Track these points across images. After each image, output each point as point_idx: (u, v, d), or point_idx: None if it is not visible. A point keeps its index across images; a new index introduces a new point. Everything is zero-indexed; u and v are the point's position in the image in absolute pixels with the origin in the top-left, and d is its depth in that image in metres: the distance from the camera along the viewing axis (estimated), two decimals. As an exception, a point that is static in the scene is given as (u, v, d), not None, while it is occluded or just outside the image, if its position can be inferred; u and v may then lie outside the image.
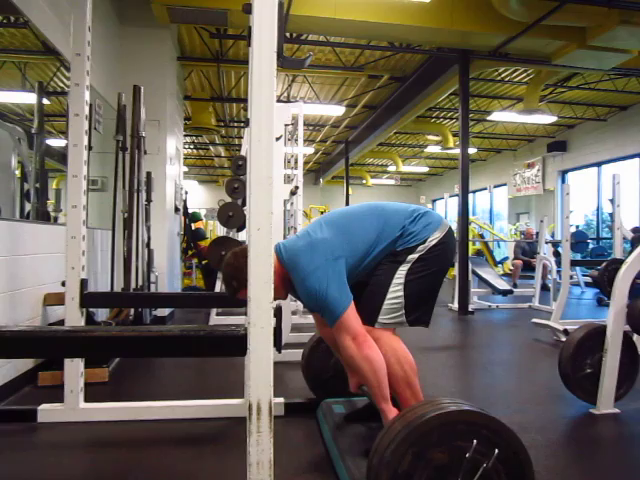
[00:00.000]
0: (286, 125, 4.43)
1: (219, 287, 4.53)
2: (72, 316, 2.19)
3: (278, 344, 1.25)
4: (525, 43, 5.76)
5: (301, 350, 2.50)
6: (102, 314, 3.84)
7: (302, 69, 7.09)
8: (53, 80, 3.88)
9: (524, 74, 7.75)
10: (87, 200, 2.26)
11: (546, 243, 6.63)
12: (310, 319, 4.64)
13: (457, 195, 6.26)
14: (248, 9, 1.21)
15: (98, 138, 3.92)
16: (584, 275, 8.74)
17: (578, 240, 7.27)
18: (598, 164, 10.40)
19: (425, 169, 16.72)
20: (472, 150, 12.10)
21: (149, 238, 4.42)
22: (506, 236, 11.24)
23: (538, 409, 2.53)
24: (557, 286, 5.46)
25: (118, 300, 2.91)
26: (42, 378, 2.76)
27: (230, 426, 2.23)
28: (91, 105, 2.80)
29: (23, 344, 1.38)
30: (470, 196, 6.91)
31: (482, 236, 9.77)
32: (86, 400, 2.30)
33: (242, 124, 10.42)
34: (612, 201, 4.37)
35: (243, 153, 4.83)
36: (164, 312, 4.95)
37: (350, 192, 14.13)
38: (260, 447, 1.15)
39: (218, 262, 4.33)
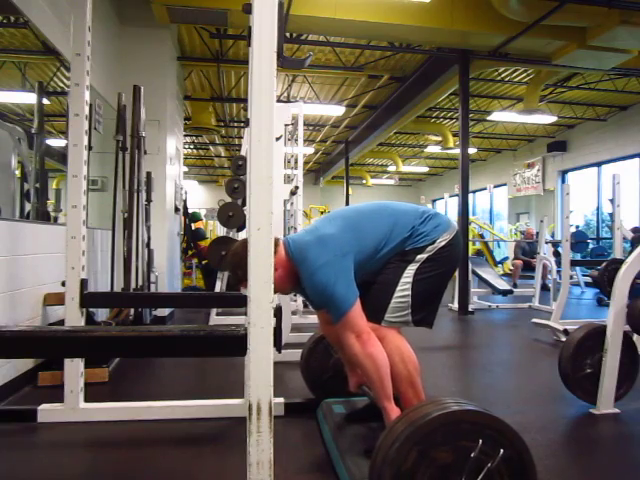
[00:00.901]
0: (286, 125, 4.43)
1: (219, 287, 4.53)
2: (72, 316, 2.19)
3: (278, 344, 1.25)
4: (525, 43, 5.75)
5: (301, 350, 2.50)
6: (102, 314, 3.84)
7: (302, 69, 7.09)
8: (53, 80, 3.89)
9: (524, 74, 7.75)
10: (87, 200, 2.26)
11: (546, 243, 6.63)
12: (310, 319, 4.64)
13: (457, 195, 6.26)
14: (248, 9, 1.21)
15: (98, 138, 3.91)
16: (584, 275, 8.74)
17: (578, 240, 7.28)
18: (598, 164, 10.40)
19: (425, 169, 16.71)
20: (472, 150, 12.09)
21: (149, 238, 4.42)
22: (506, 236, 11.25)
23: (538, 409, 2.53)
24: (557, 286, 5.46)
25: (118, 300, 2.91)
26: (42, 378, 2.76)
27: (230, 426, 2.23)
28: (91, 105, 2.79)
29: (23, 344, 1.38)
30: (470, 196, 6.92)
31: (482, 236, 9.77)
32: (86, 400, 2.30)
33: (242, 124, 10.42)
34: (612, 201, 4.37)
35: (243, 153, 4.82)
36: (164, 312, 4.95)
37: (350, 192, 14.12)
38: (260, 447, 1.15)
39: (218, 262, 4.33)
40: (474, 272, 6.62)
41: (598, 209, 10.58)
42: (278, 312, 1.30)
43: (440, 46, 6.25)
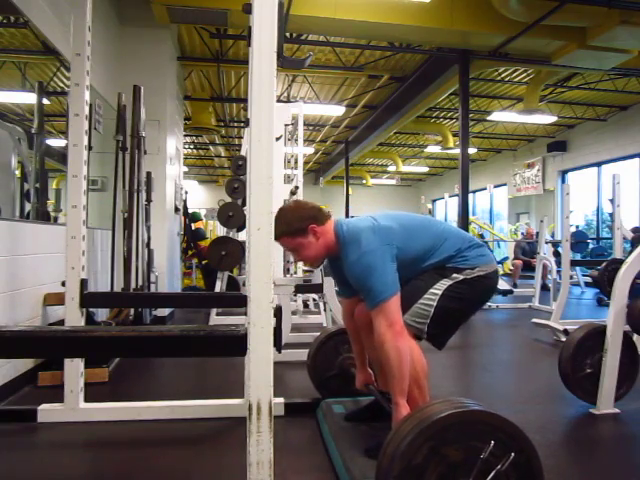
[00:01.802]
0: (286, 125, 4.44)
1: (219, 287, 4.53)
2: (72, 316, 2.18)
3: (278, 344, 1.25)
4: (525, 43, 5.76)
5: (301, 350, 2.51)
6: (102, 314, 3.84)
7: (302, 69, 7.10)
8: (53, 80, 3.89)
9: (524, 74, 7.75)
10: (87, 200, 2.26)
11: (546, 243, 6.62)
12: (310, 319, 4.64)
13: (457, 195, 6.26)
14: (248, 9, 1.21)
15: (98, 138, 3.91)
16: (584, 275, 8.73)
17: (578, 240, 7.28)
18: (598, 164, 10.40)
19: (425, 169, 16.71)
20: (472, 150, 12.09)
21: (149, 238, 4.41)
22: (506, 236, 11.24)
23: (538, 409, 2.53)
24: (557, 286, 5.45)
25: (118, 300, 2.90)
26: (42, 378, 2.76)
27: (230, 426, 2.22)
28: (91, 105, 2.79)
29: (23, 344, 1.38)
30: (470, 196, 6.92)
31: (482, 236, 9.76)
32: (86, 400, 2.30)
33: (242, 124, 10.42)
34: (612, 201, 4.37)
35: (243, 153, 4.83)
36: (164, 312, 4.95)
37: (350, 192, 14.12)
38: (260, 447, 1.15)
39: (218, 262, 4.33)
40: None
41: (598, 209, 10.58)
42: (278, 312, 1.30)
43: (440, 46, 6.25)
